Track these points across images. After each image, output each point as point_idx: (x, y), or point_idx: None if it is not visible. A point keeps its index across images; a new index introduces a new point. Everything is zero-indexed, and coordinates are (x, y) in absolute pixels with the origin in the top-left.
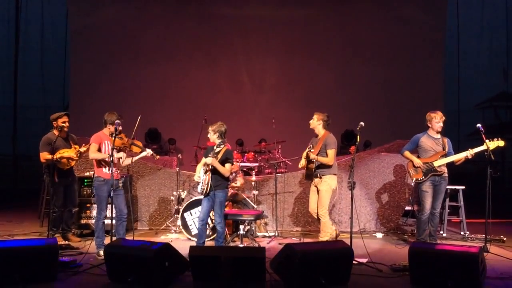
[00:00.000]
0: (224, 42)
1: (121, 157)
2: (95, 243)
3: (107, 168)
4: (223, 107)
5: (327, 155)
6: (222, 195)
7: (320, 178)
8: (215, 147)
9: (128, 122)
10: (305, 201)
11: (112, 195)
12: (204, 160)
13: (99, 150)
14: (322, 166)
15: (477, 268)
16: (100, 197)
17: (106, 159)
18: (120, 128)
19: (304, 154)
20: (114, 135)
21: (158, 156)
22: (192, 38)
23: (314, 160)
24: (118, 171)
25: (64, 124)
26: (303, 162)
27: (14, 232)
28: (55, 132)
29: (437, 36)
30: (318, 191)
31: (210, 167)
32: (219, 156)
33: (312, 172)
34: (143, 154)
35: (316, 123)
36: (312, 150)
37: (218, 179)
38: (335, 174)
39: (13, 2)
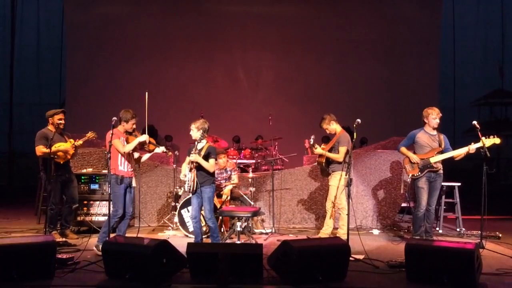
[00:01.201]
0: (220, 38)
1: (145, 140)
2: (99, 236)
3: (123, 165)
4: (220, 103)
5: (338, 152)
6: (209, 190)
7: (331, 174)
8: (197, 144)
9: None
10: (302, 198)
11: (110, 191)
12: (188, 158)
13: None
14: (333, 162)
15: (472, 264)
16: (117, 195)
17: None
18: (134, 126)
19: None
20: (111, 133)
21: (170, 153)
22: (188, 34)
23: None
24: (132, 170)
25: (60, 121)
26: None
27: (11, 229)
28: (51, 128)
29: (432, 33)
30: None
31: (195, 164)
32: (202, 152)
33: (323, 167)
34: (157, 150)
35: (333, 126)
36: (316, 145)
37: (204, 175)
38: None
39: None
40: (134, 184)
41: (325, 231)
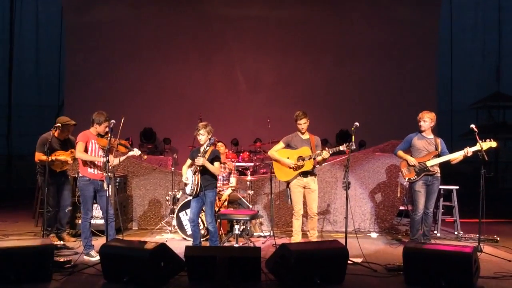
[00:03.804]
0: (219, 42)
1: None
2: (83, 245)
3: (92, 168)
4: (218, 106)
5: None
6: (212, 194)
7: (311, 177)
8: (205, 147)
9: (124, 121)
10: None
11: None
12: (189, 161)
13: (86, 149)
14: (315, 166)
15: (470, 267)
16: (86, 197)
17: (96, 162)
18: (107, 129)
19: (323, 155)
20: (109, 136)
21: (145, 156)
22: (187, 37)
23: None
24: (102, 172)
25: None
26: (308, 165)
27: (8, 232)
28: (53, 131)
29: (430, 36)
30: (307, 190)
31: (199, 167)
32: (207, 155)
33: (311, 171)
34: (131, 153)
35: (307, 125)
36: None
37: (208, 179)
38: None
39: (7, 0)
40: (105, 187)
41: (314, 237)
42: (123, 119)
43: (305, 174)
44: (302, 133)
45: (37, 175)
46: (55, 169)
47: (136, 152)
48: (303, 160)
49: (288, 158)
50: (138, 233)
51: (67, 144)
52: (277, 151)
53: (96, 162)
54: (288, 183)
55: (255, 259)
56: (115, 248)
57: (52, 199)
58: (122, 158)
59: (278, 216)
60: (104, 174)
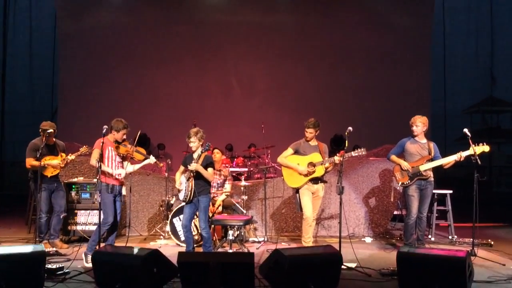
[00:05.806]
0: (214, 48)
1: (120, 174)
2: (88, 245)
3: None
4: (213, 112)
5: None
6: (206, 200)
7: (320, 184)
8: (199, 152)
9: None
10: (294, 206)
11: (100, 200)
12: (182, 168)
13: (102, 155)
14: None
15: (464, 272)
16: (106, 203)
17: (96, 166)
18: (125, 136)
19: (335, 160)
20: (102, 142)
21: (161, 164)
22: (181, 43)
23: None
24: (122, 178)
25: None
26: (319, 171)
27: (1, 239)
28: (43, 137)
29: (423, 42)
30: (314, 197)
31: (193, 173)
32: (200, 161)
33: (321, 177)
34: (146, 161)
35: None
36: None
37: (202, 185)
38: None
39: (0, 6)
40: (124, 192)
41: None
42: (139, 133)
43: (315, 180)
44: (307, 141)
45: (29, 181)
46: (46, 174)
47: (152, 159)
48: (314, 166)
49: (298, 164)
50: (131, 239)
51: (55, 149)
52: (286, 157)
53: (98, 168)
54: (297, 189)
55: (249, 264)
56: (107, 254)
57: (45, 205)
58: (138, 166)
59: (272, 221)
60: (96, 179)
